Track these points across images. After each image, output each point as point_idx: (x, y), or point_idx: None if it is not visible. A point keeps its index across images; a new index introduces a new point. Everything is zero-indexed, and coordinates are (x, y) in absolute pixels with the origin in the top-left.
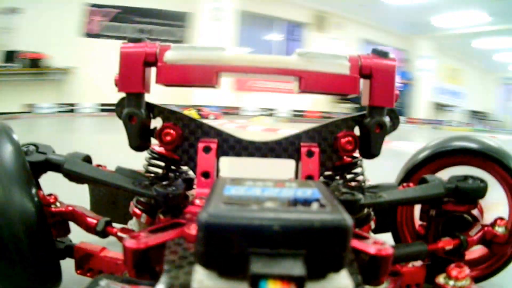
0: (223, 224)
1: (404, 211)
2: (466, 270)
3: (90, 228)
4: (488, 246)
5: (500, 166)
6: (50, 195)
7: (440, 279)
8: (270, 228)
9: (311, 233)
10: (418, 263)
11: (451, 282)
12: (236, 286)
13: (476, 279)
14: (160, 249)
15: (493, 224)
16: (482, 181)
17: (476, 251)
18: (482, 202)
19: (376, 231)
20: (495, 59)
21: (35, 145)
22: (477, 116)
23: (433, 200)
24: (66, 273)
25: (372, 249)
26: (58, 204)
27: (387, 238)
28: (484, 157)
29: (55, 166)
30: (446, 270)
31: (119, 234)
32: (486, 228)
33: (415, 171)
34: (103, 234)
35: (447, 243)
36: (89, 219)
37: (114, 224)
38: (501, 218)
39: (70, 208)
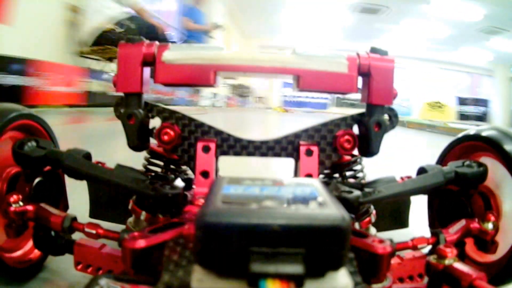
0: (221, 223)
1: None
2: (454, 251)
3: (56, 226)
4: (480, 245)
5: (505, 160)
6: (12, 194)
7: (431, 259)
8: (269, 227)
9: (310, 232)
10: (418, 252)
11: (440, 261)
12: (235, 285)
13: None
14: (159, 249)
15: (482, 219)
16: (480, 165)
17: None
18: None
19: (394, 227)
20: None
21: (36, 140)
22: (238, 91)
23: (433, 189)
24: (65, 269)
25: (371, 247)
26: (20, 203)
27: (386, 235)
28: (495, 148)
29: (54, 161)
30: (435, 251)
31: (86, 229)
32: (471, 223)
33: (448, 151)
34: (70, 230)
35: (419, 241)
36: (54, 218)
37: (80, 220)
38: (491, 213)
39: (31, 208)
